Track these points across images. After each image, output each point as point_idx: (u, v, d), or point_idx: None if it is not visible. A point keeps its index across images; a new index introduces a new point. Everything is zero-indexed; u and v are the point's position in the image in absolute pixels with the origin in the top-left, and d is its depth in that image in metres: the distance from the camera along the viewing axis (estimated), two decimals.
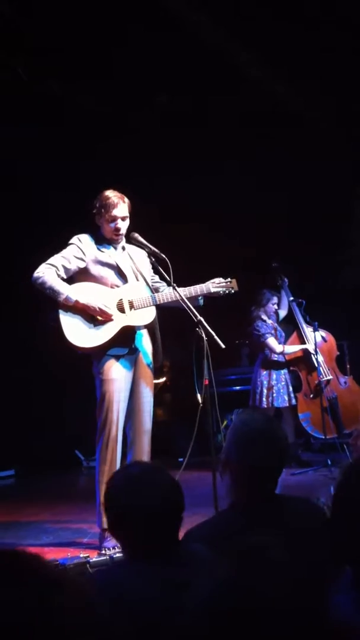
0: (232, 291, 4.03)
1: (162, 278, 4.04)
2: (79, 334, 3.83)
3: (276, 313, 6.29)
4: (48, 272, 3.84)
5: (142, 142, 6.36)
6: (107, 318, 3.83)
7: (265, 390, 6.05)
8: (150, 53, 5.50)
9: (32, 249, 6.08)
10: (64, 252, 3.93)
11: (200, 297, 3.99)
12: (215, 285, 3.99)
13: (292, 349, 6.16)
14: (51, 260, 3.90)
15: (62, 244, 3.99)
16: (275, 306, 6.25)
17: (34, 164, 6.21)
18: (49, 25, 5.13)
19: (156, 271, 4.07)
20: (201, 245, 6.89)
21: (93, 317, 3.84)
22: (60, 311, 3.83)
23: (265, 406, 5.95)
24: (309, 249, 7.30)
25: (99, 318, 3.83)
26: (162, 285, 4.08)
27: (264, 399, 6.02)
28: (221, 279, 4.04)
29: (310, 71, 5.94)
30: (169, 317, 4.22)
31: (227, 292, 4.01)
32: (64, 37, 5.25)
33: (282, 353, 6.08)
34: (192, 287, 3.94)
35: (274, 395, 6.03)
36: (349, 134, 6.82)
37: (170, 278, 3.85)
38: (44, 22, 5.11)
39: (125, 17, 5.11)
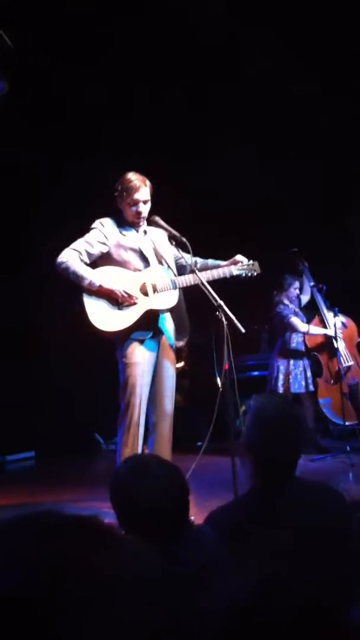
0: (255, 274, 4.00)
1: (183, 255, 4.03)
2: (103, 317, 3.83)
3: (298, 298, 6.24)
4: (71, 257, 3.85)
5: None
6: (131, 302, 3.83)
7: (281, 376, 6.03)
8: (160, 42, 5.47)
9: (38, 234, 6.13)
10: (87, 236, 3.93)
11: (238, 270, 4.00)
12: (238, 268, 3.97)
13: (316, 330, 6.12)
14: (74, 245, 3.91)
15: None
16: (297, 291, 6.21)
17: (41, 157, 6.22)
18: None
19: (178, 252, 4.06)
20: (223, 231, 6.86)
21: (117, 301, 3.85)
22: (84, 295, 3.84)
23: (282, 392, 5.93)
24: (331, 234, 7.23)
25: (123, 302, 3.84)
26: (188, 261, 4.02)
27: (281, 385, 6.00)
28: (244, 260, 4.01)
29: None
30: (188, 302, 4.22)
31: (249, 274, 3.98)
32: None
33: (307, 332, 6.04)
34: (214, 270, 3.93)
35: (291, 381, 6.01)
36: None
37: (191, 262, 3.84)
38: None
39: None
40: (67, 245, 3.92)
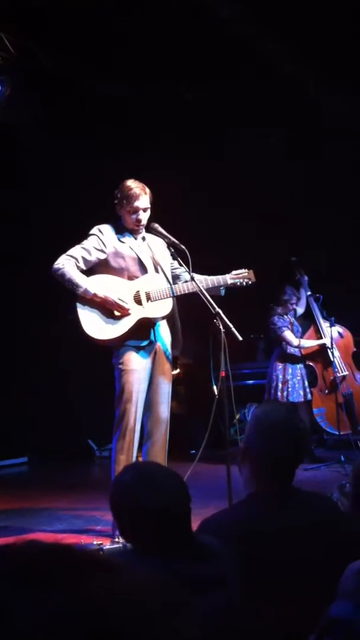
0: (250, 282, 4.01)
1: (180, 266, 4.04)
2: (96, 325, 3.84)
3: (294, 310, 6.26)
4: (68, 264, 3.85)
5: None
6: (124, 313, 3.84)
7: (280, 385, 6.03)
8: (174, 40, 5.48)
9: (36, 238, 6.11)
10: (85, 243, 3.93)
11: (222, 287, 3.99)
12: (233, 276, 3.98)
13: (309, 343, 6.14)
14: (71, 251, 3.91)
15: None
16: (294, 305, 6.22)
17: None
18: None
19: (175, 260, 4.07)
20: (221, 237, 6.88)
21: (110, 310, 3.86)
22: (78, 303, 3.85)
23: (280, 400, 5.93)
24: (330, 245, 7.25)
25: (116, 312, 3.85)
26: (183, 272, 4.05)
27: (279, 393, 6.00)
28: (239, 270, 4.03)
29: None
30: (185, 310, 4.22)
31: (244, 283, 3.99)
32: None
33: (298, 347, 6.06)
34: (209, 278, 3.94)
35: (289, 389, 6.01)
36: None
37: (189, 269, 3.84)
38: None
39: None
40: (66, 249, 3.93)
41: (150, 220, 3.99)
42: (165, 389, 3.97)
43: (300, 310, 6.31)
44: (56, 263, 3.87)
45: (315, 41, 5.64)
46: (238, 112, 6.47)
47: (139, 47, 5.60)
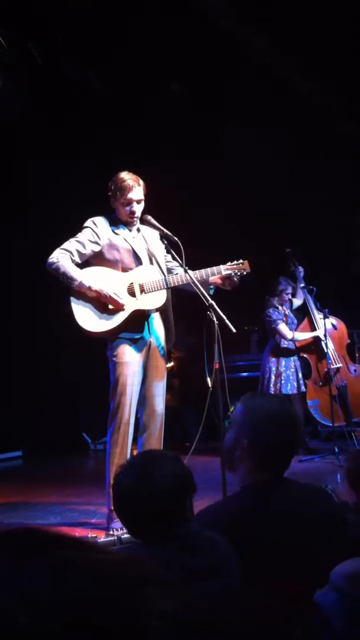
0: (245, 273, 3.98)
1: (174, 259, 4.03)
2: (90, 318, 3.83)
3: (290, 301, 6.26)
4: (62, 258, 3.84)
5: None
6: (118, 307, 3.82)
7: (273, 377, 6.04)
8: (164, 37, 5.45)
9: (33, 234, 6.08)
10: (79, 236, 3.92)
11: (211, 287, 3.96)
12: (227, 267, 3.96)
13: (303, 335, 6.14)
14: (65, 245, 3.90)
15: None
16: (289, 295, 6.22)
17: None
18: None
19: (168, 253, 4.06)
20: (214, 230, 6.87)
21: (105, 303, 3.84)
22: (72, 297, 3.84)
23: (273, 392, 5.94)
24: (323, 236, 7.26)
25: (110, 305, 3.83)
26: (176, 266, 4.06)
27: (272, 386, 6.01)
28: (234, 261, 4.01)
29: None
30: (178, 302, 4.21)
31: (239, 274, 3.97)
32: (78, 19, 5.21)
33: (292, 340, 6.06)
34: (203, 270, 3.92)
35: (282, 382, 6.02)
36: None
37: (182, 261, 3.83)
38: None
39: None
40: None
41: (144, 212, 3.98)
42: (159, 382, 3.97)
43: (297, 302, 6.31)
44: (50, 257, 3.86)
45: (301, 37, 5.65)
46: (231, 110, 6.46)
47: (138, 46, 5.58)
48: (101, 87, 6.04)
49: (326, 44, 5.66)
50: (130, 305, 3.86)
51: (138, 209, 3.93)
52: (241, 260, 3.98)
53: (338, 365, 6.19)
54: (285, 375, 6.03)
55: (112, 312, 3.85)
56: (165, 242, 4.00)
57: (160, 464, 1.72)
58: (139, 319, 3.90)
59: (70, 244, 3.90)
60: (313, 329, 6.21)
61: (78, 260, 3.90)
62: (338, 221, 7.21)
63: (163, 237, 4.00)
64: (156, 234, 4.04)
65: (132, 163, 4.11)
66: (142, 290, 3.89)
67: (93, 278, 3.85)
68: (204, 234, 6.41)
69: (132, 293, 3.89)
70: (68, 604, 0.60)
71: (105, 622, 0.60)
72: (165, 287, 3.91)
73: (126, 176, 3.91)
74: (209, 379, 3.63)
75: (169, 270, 4.05)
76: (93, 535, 2.91)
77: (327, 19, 5.41)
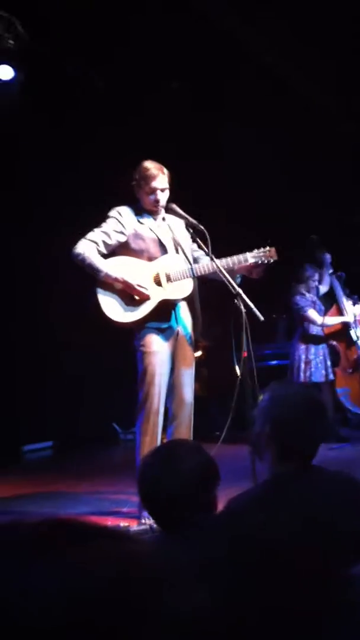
0: (272, 260, 3.95)
1: (199, 248, 4.01)
2: (117, 309, 3.83)
3: (317, 288, 6.20)
4: (88, 249, 3.84)
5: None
6: (144, 297, 3.82)
7: (302, 365, 6.00)
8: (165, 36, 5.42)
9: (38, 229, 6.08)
10: (104, 226, 3.92)
11: (238, 275, 3.93)
12: (254, 254, 3.92)
13: (332, 320, 6.08)
14: (91, 235, 3.89)
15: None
16: (316, 282, 6.16)
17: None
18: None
19: (194, 242, 4.04)
20: (215, 230, 6.81)
21: (131, 294, 3.85)
22: (99, 288, 3.85)
23: (302, 380, 5.90)
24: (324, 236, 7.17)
25: (136, 296, 3.83)
26: (202, 255, 4.03)
27: (302, 373, 5.97)
28: (260, 249, 3.97)
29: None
30: (205, 291, 4.19)
31: (265, 261, 3.93)
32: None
33: (322, 325, 6.01)
34: (229, 258, 3.89)
35: (312, 369, 5.97)
36: None
37: (208, 249, 3.80)
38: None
39: None
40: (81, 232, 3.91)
41: (169, 200, 3.97)
42: (187, 371, 3.96)
43: (323, 288, 6.25)
44: (75, 248, 3.86)
45: (301, 38, 5.59)
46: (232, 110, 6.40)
47: (139, 46, 5.55)
48: (102, 86, 6.00)
49: (327, 45, 5.59)
50: (157, 295, 3.85)
51: (163, 197, 3.91)
52: (267, 248, 3.94)
53: None
54: (314, 363, 5.99)
55: (139, 302, 3.85)
56: (191, 230, 3.98)
57: (186, 453, 1.72)
58: (166, 308, 3.89)
59: (96, 234, 3.89)
60: (341, 315, 6.14)
61: (104, 250, 3.90)
62: (338, 221, 7.11)
63: (189, 225, 3.98)
64: (182, 222, 4.02)
65: (130, 164, 4.08)
66: (169, 280, 3.88)
67: (119, 268, 3.84)
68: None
69: (158, 282, 3.88)
70: (72, 603, 0.59)
71: (111, 622, 0.59)
72: (192, 275, 3.89)
73: (150, 165, 3.90)
74: (237, 368, 3.61)
75: (195, 259, 4.03)
76: (125, 525, 2.93)
77: (327, 19, 5.33)
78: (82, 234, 3.94)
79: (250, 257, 3.90)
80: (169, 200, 3.96)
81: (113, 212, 3.96)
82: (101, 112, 6.19)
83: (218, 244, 3.87)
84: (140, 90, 6.06)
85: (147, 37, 5.47)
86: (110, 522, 3.18)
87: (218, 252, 3.84)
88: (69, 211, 6.10)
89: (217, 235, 3.84)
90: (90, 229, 3.95)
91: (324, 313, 6.16)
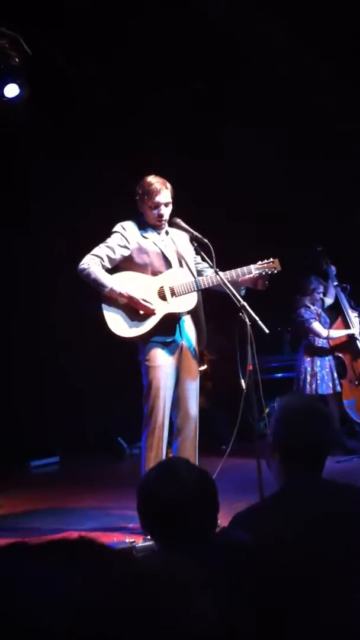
0: (275, 271, 3.94)
1: (203, 261, 4.01)
2: (122, 324, 3.85)
3: (322, 300, 6.19)
4: (93, 264, 3.86)
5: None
6: (149, 312, 3.82)
7: (309, 377, 5.97)
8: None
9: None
10: (109, 241, 3.94)
11: (242, 288, 3.93)
12: (258, 266, 3.92)
13: (338, 333, 6.06)
14: (96, 250, 3.92)
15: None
16: (321, 294, 6.15)
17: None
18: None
19: (198, 255, 4.04)
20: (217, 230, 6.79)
21: (136, 308, 3.85)
22: (104, 302, 3.87)
23: (309, 393, 5.88)
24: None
25: (141, 311, 3.83)
26: (206, 268, 4.03)
27: (308, 386, 5.95)
28: (264, 260, 3.97)
29: None
30: (207, 303, 4.19)
31: (270, 272, 3.93)
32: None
33: (327, 338, 5.99)
34: (234, 271, 3.89)
35: (318, 382, 5.95)
36: None
37: (212, 263, 3.81)
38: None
39: None
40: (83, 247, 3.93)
41: (172, 215, 3.98)
42: (192, 385, 3.95)
43: (328, 300, 6.24)
44: (81, 263, 3.88)
45: (302, 37, 5.60)
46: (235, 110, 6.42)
47: (139, 45, 5.57)
48: (101, 85, 6.02)
49: (327, 45, 5.60)
50: (162, 309, 3.86)
51: (166, 212, 3.93)
52: (271, 259, 3.94)
53: None
54: (320, 375, 5.97)
55: (144, 317, 3.85)
56: (195, 244, 3.99)
57: (184, 470, 1.71)
58: (171, 322, 3.89)
59: (100, 250, 3.92)
60: (347, 327, 6.12)
61: (108, 265, 3.92)
62: (339, 221, 7.08)
63: (192, 239, 3.99)
64: (185, 236, 4.03)
65: (131, 164, 4.09)
66: (173, 293, 3.89)
67: (123, 283, 3.86)
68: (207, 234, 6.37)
69: (162, 296, 3.88)
70: (80, 613, 0.62)
71: (117, 633, 0.63)
72: (196, 289, 3.90)
73: (153, 180, 3.92)
74: (242, 381, 3.60)
75: (199, 272, 4.04)
76: (131, 541, 2.91)
77: (328, 19, 5.34)
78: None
79: (254, 269, 3.91)
80: (172, 215, 3.98)
81: (117, 227, 3.99)
82: (101, 112, 6.22)
83: (219, 244, 3.86)
84: (140, 90, 6.08)
85: (146, 37, 5.48)
86: (115, 538, 3.16)
87: (218, 248, 3.83)
88: (69, 212, 6.12)
89: (217, 234, 3.85)
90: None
91: (330, 325, 6.14)
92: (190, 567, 1.46)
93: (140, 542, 3.20)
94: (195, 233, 3.94)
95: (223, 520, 2.46)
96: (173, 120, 6.35)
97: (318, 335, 5.97)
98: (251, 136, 6.44)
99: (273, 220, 6.99)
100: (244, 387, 3.61)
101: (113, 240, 3.95)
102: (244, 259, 3.99)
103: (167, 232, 4.03)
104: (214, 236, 3.90)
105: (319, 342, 6.04)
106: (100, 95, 6.10)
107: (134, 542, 2.95)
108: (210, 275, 3.89)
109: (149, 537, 3.46)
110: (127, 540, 3.01)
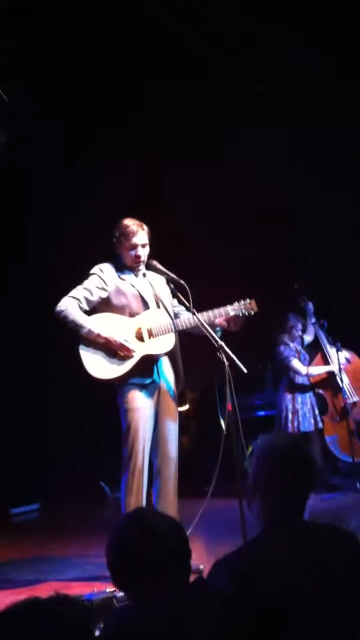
0: (252, 312, 3.96)
1: (180, 303, 4.02)
2: (99, 365, 3.83)
3: (301, 338, 6.21)
4: (70, 306, 3.86)
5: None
6: (128, 353, 3.81)
7: (290, 415, 5.96)
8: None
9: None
10: (86, 283, 3.95)
11: (218, 329, 3.94)
12: (235, 307, 3.94)
13: (317, 370, 6.07)
14: (73, 292, 3.93)
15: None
16: (300, 332, 6.17)
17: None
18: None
19: (175, 297, 4.06)
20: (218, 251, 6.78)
21: (114, 350, 3.83)
22: (81, 344, 3.86)
23: (291, 430, 5.86)
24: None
25: (120, 352, 3.82)
26: (183, 310, 4.05)
27: (290, 424, 5.93)
28: (241, 301, 3.98)
29: None
30: (190, 344, 4.19)
31: (246, 313, 3.95)
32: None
33: (307, 375, 6.00)
34: (210, 312, 3.91)
35: (300, 419, 5.93)
36: None
37: (189, 304, 3.82)
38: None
39: None
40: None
41: (150, 255, 4.01)
42: (171, 426, 3.92)
43: (308, 338, 6.27)
44: (59, 305, 3.88)
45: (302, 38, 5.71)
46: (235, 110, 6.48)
47: (139, 45, 5.63)
48: (101, 86, 6.05)
49: (328, 45, 5.72)
50: (139, 350, 3.85)
51: (143, 253, 3.96)
52: (248, 300, 3.96)
53: (354, 399, 6.11)
54: (302, 412, 5.95)
55: (121, 358, 3.84)
56: (172, 286, 4.01)
57: (155, 519, 1.70)
58: (148, 363, 3.88)
59: (78, 292, 3.92)
60: (327, 363, 6.14)
61: (86, 307, 3.92)
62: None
63: (169, 281, 4.01)
64: (162, 278, 4.05)
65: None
66: (151, 335, 3.88)
67: (101, 325, 3.85)
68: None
69: (140, 338, 3.88)
70: None
71: None
72: (174, 330, 3.90)
73: (129, 222, 3.96)
74: (222, 421, 3.57)
75: (176, 315, 4.05)
76: (111, 590, 2.84)
77: (329, 19, 5.46)
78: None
79: (231, 310, 3.92)
80: (149, 257, 4.00)
81: (95, 269, 4.01)
82: (101, 112, 6.25)
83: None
84: (140, 90, 6.15)
85: (146, 37, 5.55)
86: (96, 588, 3.08)
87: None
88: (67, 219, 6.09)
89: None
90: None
91: (310, 362, 6.16)
92: (165, 617, 1.43)
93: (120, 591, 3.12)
94: (172, 275, 3.96)
95: (208, 563, 2.42)
96: (173, 119, 6.35)
97: (298, 372, 5.98)
98: (251, 136, 6.45)
99: (272, 220, 6.95)
100: (223, 427, 3.58)
101: (90, 282, 3.95)
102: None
103: (144, 274, 4.05)
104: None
105: (300, 380, 6.04)
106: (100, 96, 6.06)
107: (114, 591, 2.87)
108: (188, 317, 3.90)
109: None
110: (107, 590, 2.94)
